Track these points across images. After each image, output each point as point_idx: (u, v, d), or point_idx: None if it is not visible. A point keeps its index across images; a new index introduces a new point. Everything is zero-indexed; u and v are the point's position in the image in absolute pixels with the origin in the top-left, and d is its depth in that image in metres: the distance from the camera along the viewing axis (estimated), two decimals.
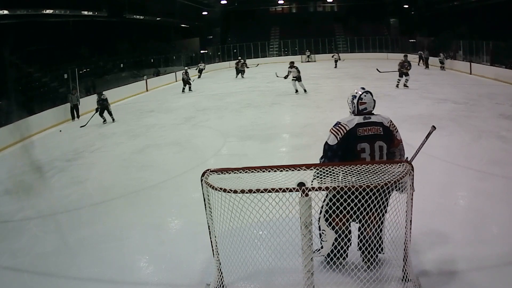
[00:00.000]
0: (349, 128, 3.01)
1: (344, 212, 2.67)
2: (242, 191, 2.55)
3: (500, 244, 3.60)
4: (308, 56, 29.73)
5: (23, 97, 12.88)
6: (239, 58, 24.35)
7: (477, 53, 18.94)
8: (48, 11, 16.33)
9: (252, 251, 3.13)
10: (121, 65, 20.36)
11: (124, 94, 17.00)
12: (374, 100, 3.21)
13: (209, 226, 3.07)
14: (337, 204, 2.59)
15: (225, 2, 32.82)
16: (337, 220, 2.61)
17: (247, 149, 7.68)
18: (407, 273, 3.01)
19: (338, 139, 3.00)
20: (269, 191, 2.57)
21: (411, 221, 2.98)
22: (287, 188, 2.62)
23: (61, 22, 17.62)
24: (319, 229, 3.23)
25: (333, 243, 3.14)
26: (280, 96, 14.02)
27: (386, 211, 2.94)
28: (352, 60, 27.92)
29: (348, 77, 18.79)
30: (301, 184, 2.57)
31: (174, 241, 4.24)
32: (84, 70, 17.33)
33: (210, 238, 3.13)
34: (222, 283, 3.13)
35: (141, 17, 24.35)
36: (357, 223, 3.08)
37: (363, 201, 2.55)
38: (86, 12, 19.15)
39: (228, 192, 2.61)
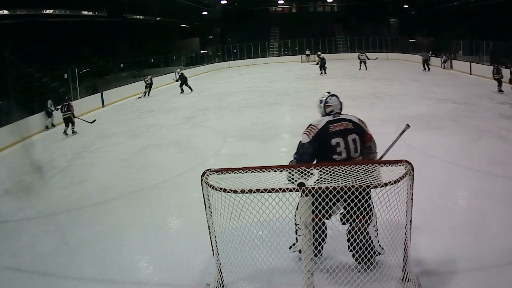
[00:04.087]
0: (319, 127, 3.23)
1: (319, 208, 2.71)
2: (242, 191, 2.55)
3: (500, 244, 3.60)
4: (308, 56, 29.52)
5: (23, 97, 12.89)
6: None
7: (477, 53, 18.94)
8: (48, 11, 16.34)
9: (252, 251, 3.13)
10: (121, 65, 20.35)
11: (124, 94, 17.02)
12: (341, 102, 3.48)
13: (209, 226, 3.07)
14: (313, 200, 2.64)
15: (225, 2, 32.84)
16: (313, 216, 2.64)
17: (247, 149, 7.67)
18: (407, 273, 3.01)
19: (310, 137, 3.21)
20: (269, 191, 2.58)
21: (411, 221, 2.98)
22: (287, 188, 2.62)
23: (61, 22, 17.62)
24: (295, 225, 3.33)
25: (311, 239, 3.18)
26: (280, 96, 14.02)
27: (372, 214, 3.01)
28: (352, 60, 27.92)
29: (348, 77, 18.79)
30: (301, 184, 2.57)
31: (174, 241, 4.24)
32: (84, 70, 17.34)
33: (210, 238, 3.13)
34: (222, 283, 3.13)
35: (141, 17, 24.35)
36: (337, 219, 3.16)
37: (342, 200, 2.67)
38: (86, 12, 19.16)
39: (228, 192, 2.61)
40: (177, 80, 17.70)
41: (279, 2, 35.20)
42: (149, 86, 16.90)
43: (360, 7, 31.93)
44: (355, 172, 2.77)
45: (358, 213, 2.80)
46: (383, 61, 25.06)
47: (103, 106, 15.09)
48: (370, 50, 30.12)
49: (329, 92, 3.53)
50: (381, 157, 3.53)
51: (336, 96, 3.48)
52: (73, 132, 10.57)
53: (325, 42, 31.90)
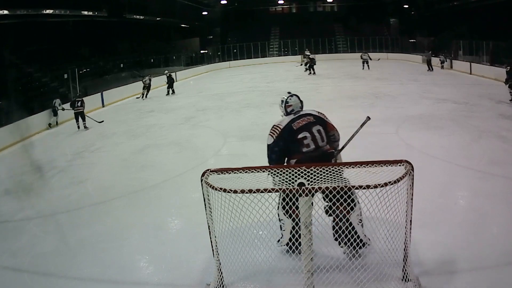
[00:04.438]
0: (282, 126, 3.48)
1: (297, 203, 2.76)
2: (242, 191, 2.55)
3: (500, 244, 3.60)
4: (307, 56, 29.43)
5: (23, 97, 12.88)
6: None
7: (477, 53, 18.93)
8: (48, 11, 16.34)
9: (252, 251, 3.13)
10: (121, 65, 20.35)
11: (124, 94, 17.01)
12: (301, 101, 3.73)
13: (209, 226, 3.07)
14: (290, 195, 2.72)
15: (225, 2, 32.82)
16: (293, 208, 2.67)
17: (247, 149, 7.67)
18: (407, 273, 3.02)
19: (274, 138, 3.46)
20: (269, 191, 2.58)
21: (411, 221, 2.98)
22: (287, 188, 2.62)
23: (61, 22, 17.61)
24: (279, 220, 3.44)
25: (291, 231, 3.32)
26: (280, 96, 13.94)
27: (354, 204, 3.11)
28: (352, 60, 27.92)
29: (348, 77, 18.79)
30: (301, 184, 2.57)
31: (174, 241, 4.24)
32: (84, 70, 17.33)
33: (210, 238, 3.13)
34: (222, 283, 3.13)
35: (141, 17, 24.34)
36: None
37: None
38: (86, 12, 19.15)
39: (228, 192, 2.61)
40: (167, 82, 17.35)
41: (279, 2, 35.19)
42: (147, 87, 16.58)
43: (360, 7, 31.92)
44: (328, 172, 2.86)
45: (338, 204, 2.95)
46: (383, 61, 25.04)
47: (103, 106, 15.08)
48: (370, 50, 30.06)
49: (289, 93, 3.81)
50: (342, 148, 3.64)
51: (297, 96, 3.75)
52: (85, 127, 11.03)
53: (325, 42, 31.90)
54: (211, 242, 3.12)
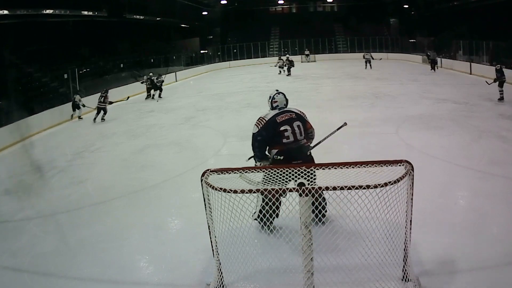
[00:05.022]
0: (267, 119, 3.97)
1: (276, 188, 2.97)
2: (242, 191, 2.55)
3: (500, 244, 3.60)
4: (307, 56, 29.50)
5: (23, 97, 12.88)
6: None
7: (477, 53, 18.93)
8: (48, 11, 16.33)
9: (252, 251, 3.13)
10: (121, 65, 20.34)
11: (124, 94, 16.97)
12: (287, 99, 4.22)
13: (209, 226, 3.07)
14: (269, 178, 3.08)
15: (225, 2, 32.81)
16: (269, 189, 2.74)
17: (247, 149, 7.61)
18: (407, 273, 3.02)
19: (258, 128, 3.95)
20: (269, 191, 2.58)
21: (411, 221, 2.98)
22: (287, 188, 2.62)
23: (61, 22, 17.60)
24: (257, 197, 3.84)
25: (264, 207, 3.66)
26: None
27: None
28: (352, 60, 27.93)
29: (348, 77, 18.79)
30: (301, 184, 2.57)
31: (174, 241, 4.24)
32: (84, 70, 17.31)
33: (210, 238, 3.13)
34: (222, 283, 3.13)
35: (141, 17, 24.34)
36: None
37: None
38: (86, 12, 19.14)
39: (228, 192, 2.61)
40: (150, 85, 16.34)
41: (279, 2, 35.18)
42: (155, 87, 16.21)
43: (360, 7, 31.91)
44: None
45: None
46: (384, 61, 25.04)
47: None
48: (370, 50, 30.09)
49: (277, 90, 4.31)
50: (315, 145, 4.15)
51: (283, 94, 4.24)
52: (102, 119, 12.09)
53: (325, 42, 31.91)
54: (211, 242, 3.12)
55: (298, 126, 3.94)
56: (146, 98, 16.29)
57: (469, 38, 20.09)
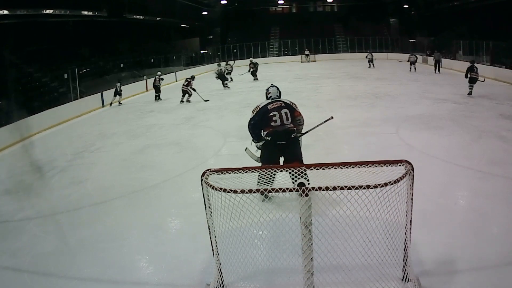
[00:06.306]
0: (261, 106, 4.86)
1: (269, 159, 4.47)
2: (242, 191, 2.55)
3: (500, 244, 3.60)
4: (307, 56, 29.46)
5: (23, 97, 12.87)
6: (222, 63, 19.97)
7: (477, 53, 18.92)
8: (48, 11, 16.31)
9: (252, 251, 3.13)
10: (121, 65, 20.33)
11: (124, 94, 16.97)
12: (280, 91, 5.14)
13: (209, 226, 3.07)
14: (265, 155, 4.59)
15: (225, 2, 32.80)
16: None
17: None
18: (407, 273, 3.02)
19: (254, 113, 4.87)
20: (269, 191, 2.58)
21: (411, 221, 2.98)
22: (287, 188, 2.62)
23: (61, 22, 17.59)
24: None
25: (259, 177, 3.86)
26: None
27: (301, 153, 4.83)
28: (352, 60, 27.94)
29: (348, 77, 18.78)
30: (301, 184, 2.57)
31: (174, 241, 4.24)
32: (84, 70, 17.29)
33: (210, 238, 3.13)
34: (222, 283, 3.13)
35: (141, 17, 24.32)
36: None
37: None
38: (86, 12, 19.12)
39: (228, 192, 2.61)
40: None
41: (279, 2, 35.17)
42: (220, 77, 17.65)
43: (360, 7, 31.91)
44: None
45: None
46: (383, 61, 25.06)
47: (103, 106, 15.08)
48: (370, 50, 30.13)
49: (272, 84, 5.28)
50: (303, 134, 5.05)
51: (276, 87, 5.18)
52: (188, 100, 14.03)
53: (325, 42, 31.91)
54: (211, 242, 3.12)
55: (286, 113, 4.73)
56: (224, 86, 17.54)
57: (469, 38, 20.10)
